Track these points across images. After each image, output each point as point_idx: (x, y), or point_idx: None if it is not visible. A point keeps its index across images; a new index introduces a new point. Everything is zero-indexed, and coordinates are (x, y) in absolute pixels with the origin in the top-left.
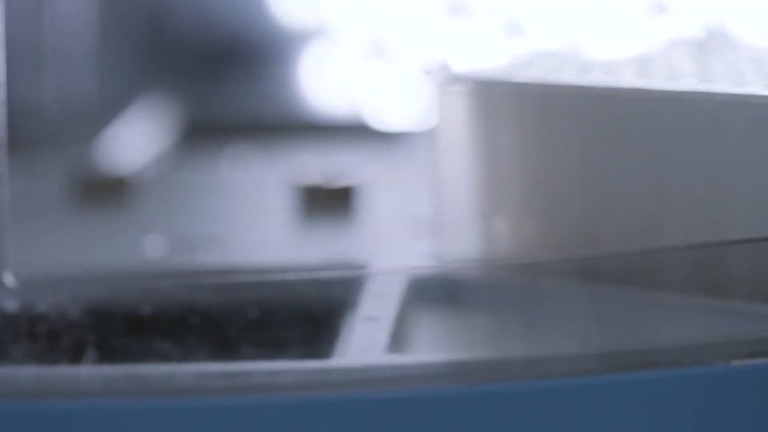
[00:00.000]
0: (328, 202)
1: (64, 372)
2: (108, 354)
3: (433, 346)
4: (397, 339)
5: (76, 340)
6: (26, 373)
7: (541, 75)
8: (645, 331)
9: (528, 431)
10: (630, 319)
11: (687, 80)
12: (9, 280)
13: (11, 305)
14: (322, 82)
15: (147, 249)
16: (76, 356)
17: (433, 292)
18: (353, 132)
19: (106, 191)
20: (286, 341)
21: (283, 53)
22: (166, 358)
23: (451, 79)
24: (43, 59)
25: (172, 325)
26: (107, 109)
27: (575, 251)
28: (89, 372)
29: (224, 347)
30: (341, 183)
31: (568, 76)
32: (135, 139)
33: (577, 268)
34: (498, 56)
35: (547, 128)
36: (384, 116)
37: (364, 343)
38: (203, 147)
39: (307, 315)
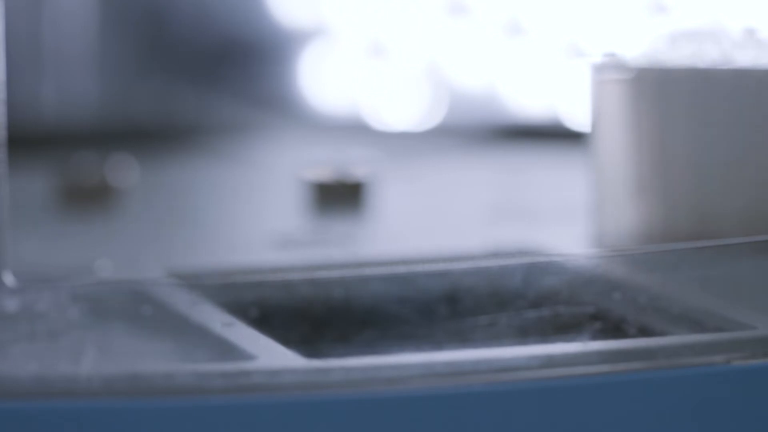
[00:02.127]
0: (341, 198)
1: (64, 372)
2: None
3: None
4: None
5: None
6: (26, 373)
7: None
8: None
9: (528, 431)
10: None
11: None
12: (9, 279)
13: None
14: (323, 82)
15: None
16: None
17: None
18: (354, 130)
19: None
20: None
21: (284, 53)
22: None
23: (610, 67)
24: (42, 60)
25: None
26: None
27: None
28: (89, 372)
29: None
30: (353, 179)
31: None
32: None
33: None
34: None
35: (707, 112)
36: (385, 114)
37: None
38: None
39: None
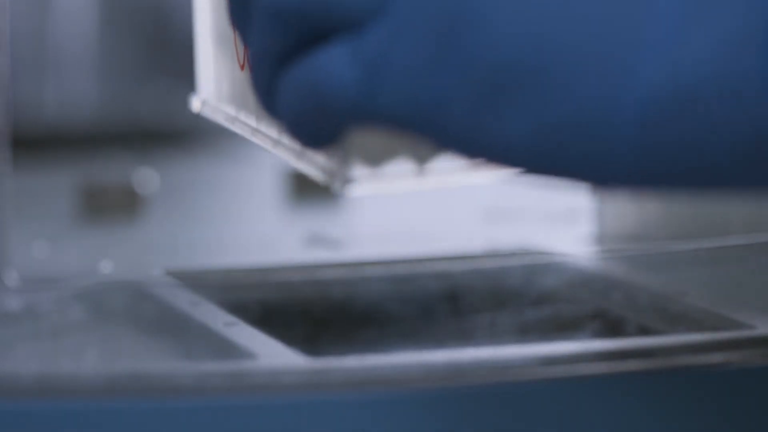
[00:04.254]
0: (315, 187)
1: (66, 371)
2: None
3: None
4: None
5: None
6: (29, 372)
7: None
8: None
9: (527, 430)
10: None
11: None
12: (11, 279)
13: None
14: None
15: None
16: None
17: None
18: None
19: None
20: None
21: None
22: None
23: None
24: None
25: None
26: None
27: None
28: (91, 371)
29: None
30: None
31: None
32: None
33: None
34: None
35: None
36: None
37: None
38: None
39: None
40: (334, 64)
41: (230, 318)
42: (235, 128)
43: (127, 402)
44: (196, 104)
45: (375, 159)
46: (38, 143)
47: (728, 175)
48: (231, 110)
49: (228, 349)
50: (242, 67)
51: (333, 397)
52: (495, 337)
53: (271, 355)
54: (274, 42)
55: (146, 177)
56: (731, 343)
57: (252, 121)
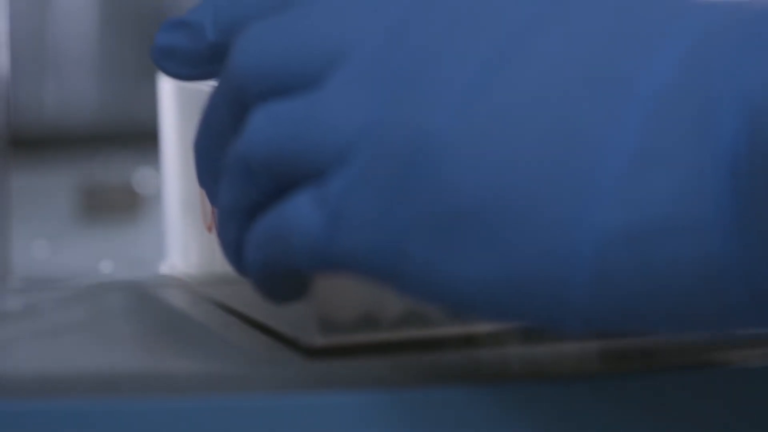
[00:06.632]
0: None
1: (65, 371)
2: None
3: None
4: None
5: None
6: (28, 371)
7: None
8: None
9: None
10: None
11: None
12: (13, 279)
13: None
14: None
15: None
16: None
17: None
18: None
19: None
20: None
21: None
22: None
23: None
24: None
25: None
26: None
27: None
28: (90, 371)
29: None
30: None
31: None
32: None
33: None
34: None
35: None
36: None
37: None
38: None
39: None
40: (298, 211)
41: (230, 318)
42: (201, 291)
43: (127, 402)
44: (164, 269)
45: (341, 314)
46: (38, 143)
47: (680, 316)
48: (198, 273)
49: (228, 349)
50: (209, 229)
51: (333, 397)
52: (494, 337)
53: (271, 355)
54: (243, 195)
55: (146, 177)
56: (731, 343)
57: (218, 283)
